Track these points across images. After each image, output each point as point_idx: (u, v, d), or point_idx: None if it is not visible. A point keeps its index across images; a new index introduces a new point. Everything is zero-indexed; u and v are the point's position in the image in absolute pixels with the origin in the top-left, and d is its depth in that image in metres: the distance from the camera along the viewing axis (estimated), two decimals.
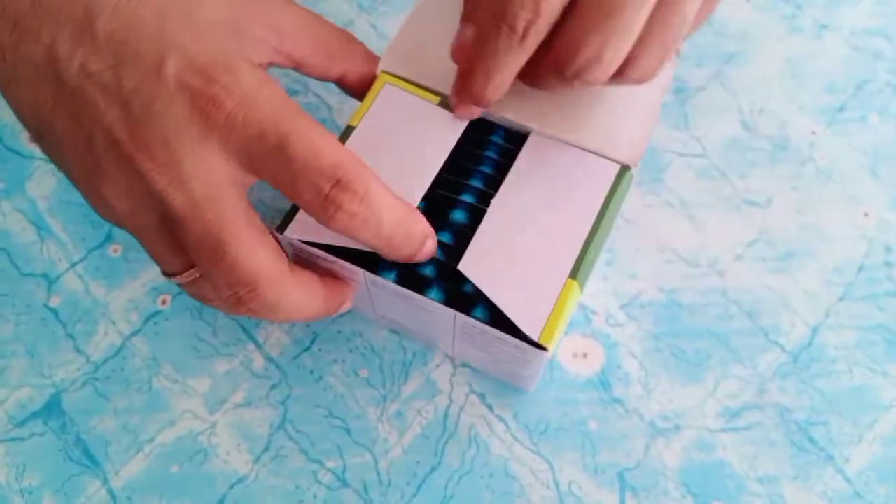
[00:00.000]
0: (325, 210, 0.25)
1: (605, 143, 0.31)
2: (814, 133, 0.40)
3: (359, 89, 0.32)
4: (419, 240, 0.28)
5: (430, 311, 0.29)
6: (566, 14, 0.25)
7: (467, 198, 0.30)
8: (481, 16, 0.26)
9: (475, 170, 0.30)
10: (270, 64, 0.29)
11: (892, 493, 0.33)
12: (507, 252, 0.29)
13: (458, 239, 0.29)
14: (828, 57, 0.42)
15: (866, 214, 0.38)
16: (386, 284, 0.29)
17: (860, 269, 0.37)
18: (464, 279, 0.28)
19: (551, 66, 0.26)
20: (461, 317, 0.28)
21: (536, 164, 0.30)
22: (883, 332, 0.36)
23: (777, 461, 0.33)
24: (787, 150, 0.39)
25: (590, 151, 0.31)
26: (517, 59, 0.26)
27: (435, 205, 0.30)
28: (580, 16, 0.25)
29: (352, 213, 0.25)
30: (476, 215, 0.29)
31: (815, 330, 0.36)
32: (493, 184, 0.30)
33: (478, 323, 0.28)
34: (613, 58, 0.26)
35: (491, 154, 0.31)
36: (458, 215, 0.29)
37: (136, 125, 0.24)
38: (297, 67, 0.30)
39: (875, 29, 0.43)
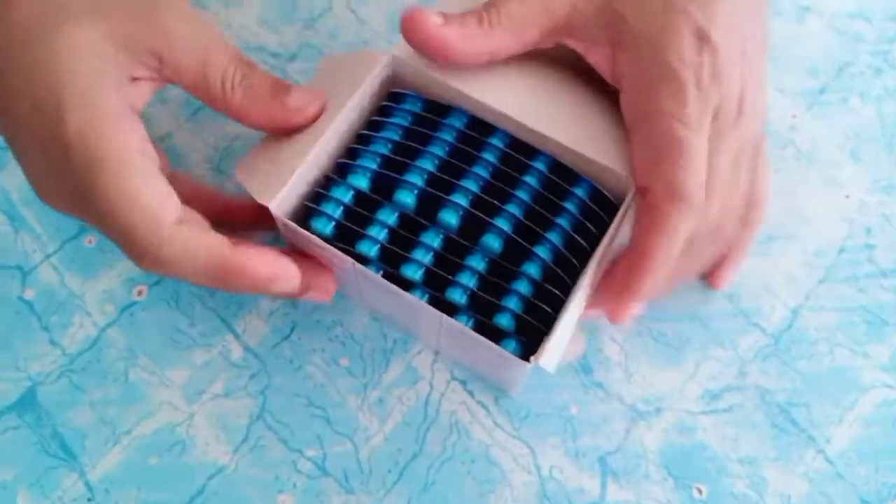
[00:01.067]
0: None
1: (617, 158, 0.29)
2: (794, 116, 0.40)
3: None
4: (252, 286, 0.27)
5: (418, 308, 0.29)
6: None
7: (460, 199, 0.29)
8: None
9: (471, 172, 0.29)
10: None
11: (873, 474, 0.33)
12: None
13: (447, 244, 0.29)
14: (809, 40, 0.42)
15: (847, 197, 0.38)
16: (374, 277, 0.28)
17: (841, 250, 0.37)
18: (451, 283, 0.28)
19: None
20: (446, 319, 0.28)
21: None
22: (863, 313, 0.36)
23: (758, 443, 0.33)
24: (768, 133, 0.39)
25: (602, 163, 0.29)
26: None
27: (427, 203, 0.29)
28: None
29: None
30: (468, 219, 0.29)
31: (795, 312, 0.36)
32: (490, 188, 0.29)
33: (462, 326, 0.28)
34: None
35: (490, 158, 0.30)
36: (449, 216, 0.29)
37: None
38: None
39: (856, 11, 0.43)
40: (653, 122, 0.27)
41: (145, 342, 0.35)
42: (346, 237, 0.29)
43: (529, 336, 0.28)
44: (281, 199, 0.28)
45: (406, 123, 0.30)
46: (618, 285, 0.28)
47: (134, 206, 0.25)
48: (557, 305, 0.28)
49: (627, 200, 0.28)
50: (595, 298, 0.28)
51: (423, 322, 0.31)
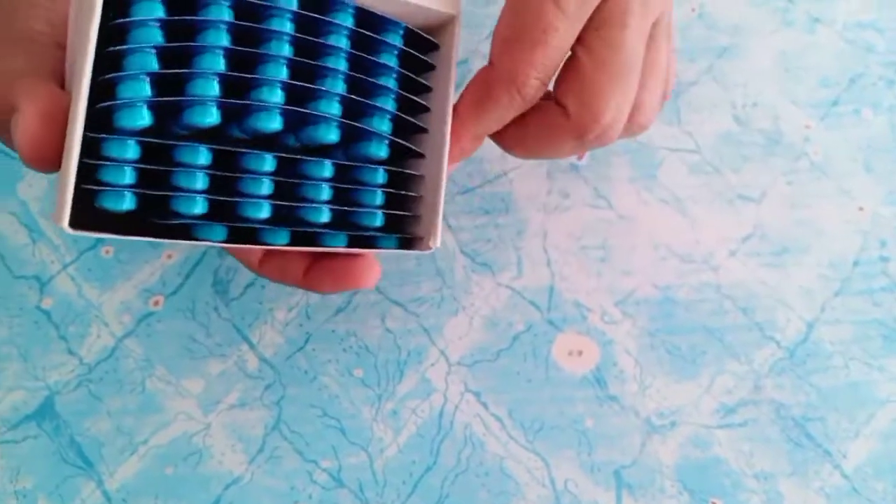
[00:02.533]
0: None
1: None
2: (807, 127, 0.40)
3: None
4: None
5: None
6: (569, 79, 0.26)
7: (271, 96, 0.23)
8: (493, 73, 0.26)
9: (269, 56, 0.23)
10: None
11: (890, 489, 0.33)
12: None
13: (278, 163, 0.24)
14: (821, 51, 0.42)
15: (861, 209, 0.38)
16: (222, 247, 0.26)
17: (855, 263, 0.37)
18: (302, 208, 0.25)
19: (572, 133, 0.27)
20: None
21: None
22: (879, 326, 0.36)
23: (774, 457, 0.33)
24: (781, 145, 0.39)
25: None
26: (508, 116, 0.27)
27: (229, 116, 0.23)
28: (593, 81, 0.26)
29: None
30: (289, 117, 0.24)
31: (810, 325, 0.36)
32: (298, 67, 0.24)
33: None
34: (627, 112, 0.27)
35: (284, 27, 0.23)
36: (267, 122, 0.23)
37: None
38: None
39: (867, 22, 0.43)
40: None
41: (162, 352, 0.35)
42: (152, 203, 0.23)
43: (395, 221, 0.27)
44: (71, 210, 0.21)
45: (156, 19, 0.22)
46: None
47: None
48: (415, 180, 0.27)
49: (456, 42, 0.27)
50: None
51: None
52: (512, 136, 0.28)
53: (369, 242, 0.26)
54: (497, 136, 0.29)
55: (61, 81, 0.24)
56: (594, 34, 0.26)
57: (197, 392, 0.34)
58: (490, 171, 0.38)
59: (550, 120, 0.27)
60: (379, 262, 0.28)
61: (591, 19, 0.26)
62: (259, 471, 0.33)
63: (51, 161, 0.21)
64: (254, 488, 0.33)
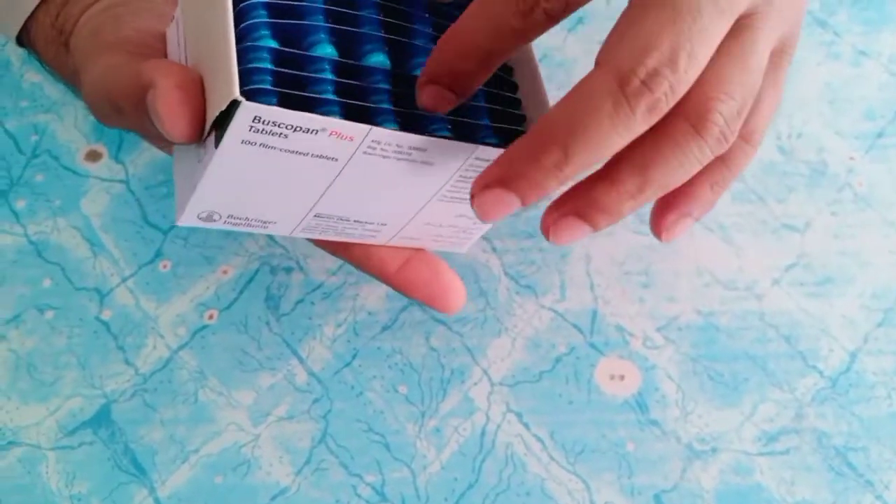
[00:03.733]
0: None
1: None
2: (852, 159, 0.40)
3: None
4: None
5: (426, 163, 0.25)
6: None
7: (376, 30, 0.25)
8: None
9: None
10: None
11: None
12: None
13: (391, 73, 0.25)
14: (866, 83, 0.42)
15: None
16: (393, 139, 0.24)
17: None
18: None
19: (608, 77, 0.21)
20: (481, 149, 0.25)
21: None
22: None
23: (815, 486, 0.33)
24: (825, 176, 0.40)
25: None
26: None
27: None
28: (633, 8, 0.22)
29: None
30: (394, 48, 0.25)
31: (853, 355, 0.36)
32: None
33: (495, 150, 0.25)
34: (694, 74, 0.22)
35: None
36: (378, 58, 0.25)
37: None
38: None
39: None
40: None
41: (214, 364, 0.36)
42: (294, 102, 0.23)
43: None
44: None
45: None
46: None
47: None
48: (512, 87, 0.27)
49: None
50: None
51: (409, 195, 0.27)
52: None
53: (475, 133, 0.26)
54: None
55: None
56: None
57: (247, 404, 0.36)
58: None
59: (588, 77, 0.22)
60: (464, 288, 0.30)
61: None
62: (305, 483, 0.34)
63: (190, 129, 0.23)
64: (300, 500, 0.34)
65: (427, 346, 0.37)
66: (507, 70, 0.28)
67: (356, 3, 0.25)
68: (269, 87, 0.22)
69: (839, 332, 0.36)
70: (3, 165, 0.40)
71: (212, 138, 0.23)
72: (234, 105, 0.21)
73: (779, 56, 0.25)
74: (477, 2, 0.23)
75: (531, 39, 0.23)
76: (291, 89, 0.23)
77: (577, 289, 0.37)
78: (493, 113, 0.27)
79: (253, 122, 0.22)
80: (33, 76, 0.42)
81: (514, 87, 0.28)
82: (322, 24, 0.24)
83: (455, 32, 0.23)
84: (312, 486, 0.34)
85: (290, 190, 0.25)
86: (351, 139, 0.23)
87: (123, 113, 0.25)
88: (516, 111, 0.28)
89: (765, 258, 0.38)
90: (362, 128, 0.23)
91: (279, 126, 0.22)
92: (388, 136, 0.24)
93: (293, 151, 0.23)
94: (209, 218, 0.26)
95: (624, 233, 0.38)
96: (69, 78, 0.32)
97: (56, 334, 0.37)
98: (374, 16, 0.25)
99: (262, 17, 0.23)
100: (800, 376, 0.35)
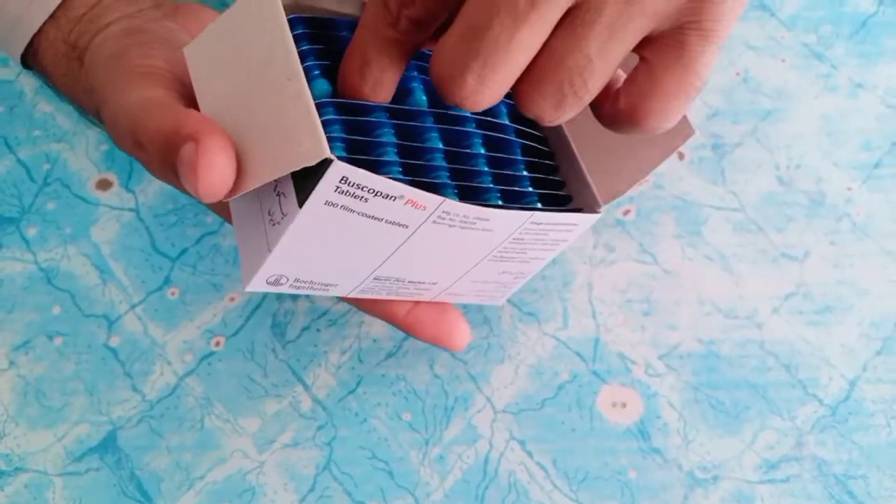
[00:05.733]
0: None
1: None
2: (849, 189, 0.41)
3: None
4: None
5: (486, 230, 0.26)
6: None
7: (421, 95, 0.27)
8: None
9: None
10: None
11: None
12: None
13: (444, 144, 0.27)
14: (863, 115, 0.43)
15: None
16: (461, 210, 0.25)
17: None
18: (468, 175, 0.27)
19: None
20: (537, 215, 0.26)
21: None
22: None
23: None
24: (824, 206, 0.40)
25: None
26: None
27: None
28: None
29: None
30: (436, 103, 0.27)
31: (852, 383, 0.36)
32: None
33: (553, 214, 0.27)
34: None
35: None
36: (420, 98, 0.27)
37: None
38: None
39: None
40: None
41: (220, 391, 0.37)
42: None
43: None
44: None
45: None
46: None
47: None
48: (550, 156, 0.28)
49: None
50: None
51: (460, 257, 0.28)
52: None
53: (525, 200, 0.27)
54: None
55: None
56: None
57: (252, 430, 0.36)
58: None
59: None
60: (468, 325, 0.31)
61: None
62: None
63: (221, 191, 0.23)
64: None
65: (431, 374, 0.37)
66: (542, 141, 0.30)
67: (416, 115, 0.26)
68: (345, 154, 0.23)
69: (838, 361, 0.37)
70: (14, 194, 0.41)
71: (290, 199, 0.23)
72: (323, 164, 0.21)
73: None
74: (361, 17, 0.24)
75: (418, 47, 0.24)
76: (361, 165, 0.23)
77: (580, 316, 0.38)
78: (534, 180, 0.28)
79: (340, 182, 0.22)
80: (45, 106, 0.43)
81: (552, 156, 0.30)
82: (386, 119, 0.25)
83: (351, 50, 0.24)
84: None
85: (357, 254, 0.26)
86: (424, 208, 0.24)
87: (142, 148, 0.26)
88: (555, 177, 0.30)
89: (765, 287, 0.38)
90: (436, 199, 0.24)
91: (362, 189, 0.23)
92: (457, 208, 0.25)
93: (370, 216, 0.24)
94: (276, 282, 0.26)
95: (626, 261, 0.39)
96: (81, 95, 0.31)
97: (64, 361, 0.37)
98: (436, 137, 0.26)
99: (330, 115, 0.24)
100: (800, 404, 0.36)
